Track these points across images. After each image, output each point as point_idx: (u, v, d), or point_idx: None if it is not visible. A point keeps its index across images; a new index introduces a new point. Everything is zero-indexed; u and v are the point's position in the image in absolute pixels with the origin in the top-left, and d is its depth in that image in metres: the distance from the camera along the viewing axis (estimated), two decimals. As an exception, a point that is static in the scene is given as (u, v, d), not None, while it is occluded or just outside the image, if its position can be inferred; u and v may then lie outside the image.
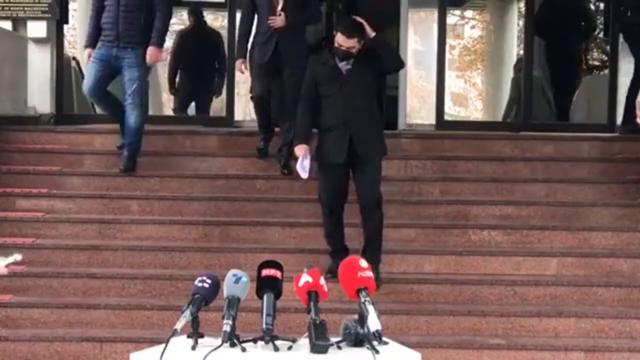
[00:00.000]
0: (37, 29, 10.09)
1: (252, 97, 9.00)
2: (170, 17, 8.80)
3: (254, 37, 8.59)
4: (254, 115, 9.21)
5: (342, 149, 6.93)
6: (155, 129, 9.30)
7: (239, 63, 8.65)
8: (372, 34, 6.99)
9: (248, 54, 8.65)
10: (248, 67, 8.65)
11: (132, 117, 8.41)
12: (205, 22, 12.71)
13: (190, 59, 12.07)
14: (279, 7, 8.35)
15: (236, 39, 8.93)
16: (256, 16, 8.60)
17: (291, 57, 8.31)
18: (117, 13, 8.51)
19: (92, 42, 8.72)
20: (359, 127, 6.95)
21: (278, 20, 8.31)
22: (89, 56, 8.73)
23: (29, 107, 10.00)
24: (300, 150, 7.02)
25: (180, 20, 18.34)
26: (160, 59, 9.24)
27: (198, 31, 12.33)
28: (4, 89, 9.58)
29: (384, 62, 6.97)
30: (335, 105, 6.97)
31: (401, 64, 7.31)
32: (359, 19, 7.07)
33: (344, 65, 6.94)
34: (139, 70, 8.47)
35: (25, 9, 9.98)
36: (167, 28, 8.81)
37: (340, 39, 6.81)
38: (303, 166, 7.01)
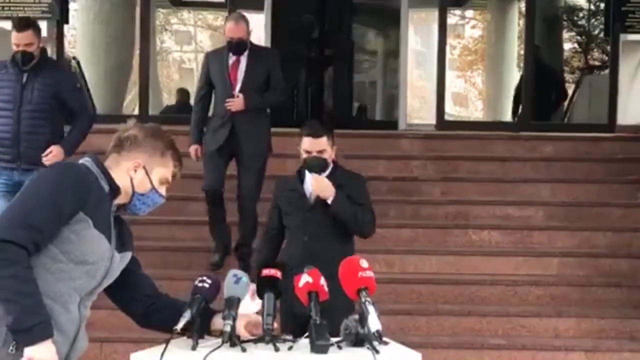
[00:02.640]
0: (37, 28, 10.07)
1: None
2: (88, 131, 6.83)
3: (210, 120, 7.44)
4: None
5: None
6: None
7: (192, 149, 7.33)
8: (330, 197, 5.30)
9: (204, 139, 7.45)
10: (202, 153, 7.40)
11: None
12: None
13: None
14: (237, 87, 7.22)
15: (191, 122, 7.51)
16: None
17: (250, 145, 7.20)
18: (17, 124, 6.58)
19: None
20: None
21: (236, 103, 7.14)
22: None
23: (29, 107, 9.97)
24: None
25: (180, 21, 18.38)
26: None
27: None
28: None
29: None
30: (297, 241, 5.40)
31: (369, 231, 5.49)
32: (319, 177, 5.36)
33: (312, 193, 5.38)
34: None
35: (26, 8, 9.98)
36: (80, 142, 6.82)
37: (307, 144, 5.35)
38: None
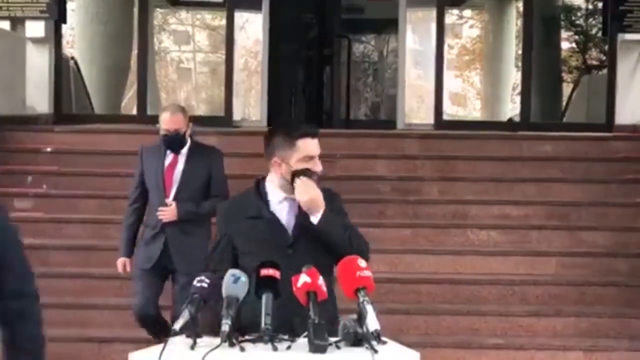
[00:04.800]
0: (35, 28, 10.08)
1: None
2: None
3: (143, 230, 6.43)
4: (253, 116, 9.06)
5: None
6: (153, 129, 9.27)
7: (120, 263, 6.42)
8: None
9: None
10: (130, 268, 6.45)
11: None
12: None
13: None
14: (172, 194, 6.24)
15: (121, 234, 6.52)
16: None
17: (182, 265, 6.09)
18: None
19: None
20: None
21: (168, 213, 6.18)
22: None
23: (27, 107, 9.99)
24: None
25: (178, 21, 18.37)
26: None
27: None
28: (2, 88, 9.57)
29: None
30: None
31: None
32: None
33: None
34: None
35: (24, 8, 9.97)
36: None
37: (312, 148, 3.82)
38: None
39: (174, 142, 6.26)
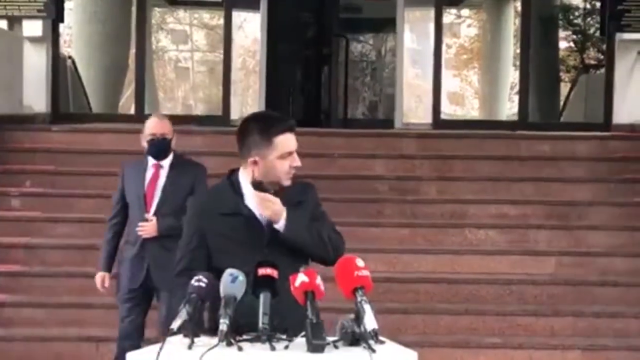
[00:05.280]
0: (32, 27, 10.06)
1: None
2: None
3: (124, 245, 6.18)
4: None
5: None
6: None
7: (99, 277, 6.14)
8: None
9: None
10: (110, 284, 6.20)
11: None
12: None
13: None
14: (152, 209, 5.99)
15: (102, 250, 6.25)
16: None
17: (164, 284, 5.76)
18: None
19: None
20: None
21: (148, 228, 5.94)
22: None
23: (25, 106, 9.98)
24: None
25: (176, 20, 18.36)
26: None
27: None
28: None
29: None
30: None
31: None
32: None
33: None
34: None
35: (21, 7, 9.96)
36: None
37: (291, 144, 3.66)
38: None
39: (160, 147, 6.01)
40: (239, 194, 3.67)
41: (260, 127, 3.64)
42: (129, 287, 6.00)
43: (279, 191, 3.63)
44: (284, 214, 3.58)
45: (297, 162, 3.64)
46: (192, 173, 6.04)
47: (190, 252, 3.70)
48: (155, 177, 6.04)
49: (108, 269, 6.15)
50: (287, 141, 3.62)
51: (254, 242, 3.60)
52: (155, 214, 5.98)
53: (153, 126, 6.04)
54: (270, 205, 3.57)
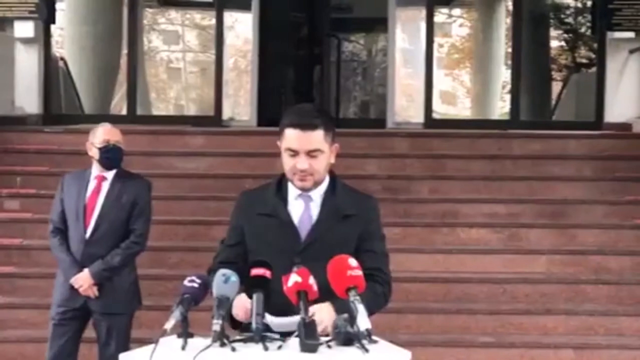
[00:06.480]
0: (24, 28, 10.06)
1: None
2: None
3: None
4: (243, 116, 9.06)
5: None
6: (143, 129, 9.27)
7: (79, 280, 5.62)
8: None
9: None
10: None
11: None
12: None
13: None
14: (90, 226, 5.61)
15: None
16: None
17: (101, 302, 5.59)
18: None
19: None
20: None
21: (82, 282, 5.55)
22: None
23: (17, 107, 9.97)
24: None
25: (168, 20, 18.34)
26: None
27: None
28: (-9, 89, 9.56)
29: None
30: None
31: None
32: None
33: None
34: None
35: (12, 8, 9.95)
36: None
37: (293, 140, 3.50)
38: None
39: (115, 154, 5.66)
40: (283, 198, 3.58)
41: (283, 117, 3.57)
42: (67, 305, 5.62)
43: (327, 197, 3.54)
44: (332, 315, 3.33)
45: (302, 164, 3.48)
46: (135, 189, 5.70)
47: (225, 249, 3.69)
48: (97, 190, 5.68)
49: (80, 267, 5.60)
50: (290, 136, 3.50)
51: (287, 247, 3.52)
52: (92, 232, 5.59)
53: (106, 132, 5.69)
54: (321, 323, 3.28)
